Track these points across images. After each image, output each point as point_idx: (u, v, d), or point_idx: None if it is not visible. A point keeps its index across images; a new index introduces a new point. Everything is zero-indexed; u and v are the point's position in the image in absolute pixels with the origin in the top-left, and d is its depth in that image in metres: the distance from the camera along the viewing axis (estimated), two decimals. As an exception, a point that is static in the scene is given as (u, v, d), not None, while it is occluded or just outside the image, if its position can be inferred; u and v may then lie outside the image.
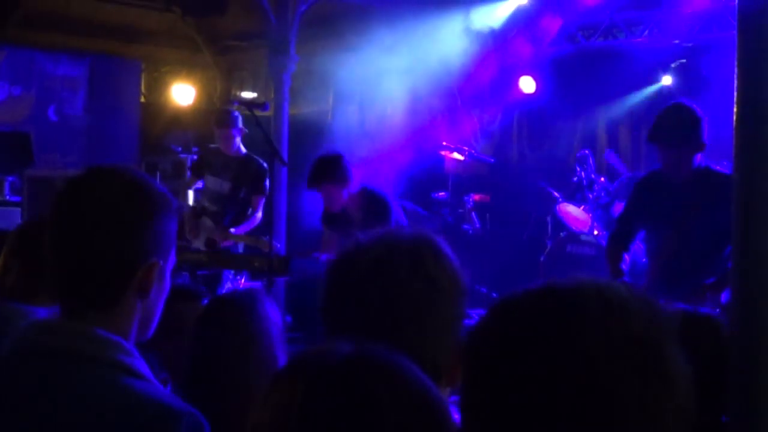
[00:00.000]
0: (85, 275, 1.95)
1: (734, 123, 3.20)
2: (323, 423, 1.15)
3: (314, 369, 1.20)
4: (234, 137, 7.99)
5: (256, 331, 2.91)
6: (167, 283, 2.05)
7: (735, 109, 3.20)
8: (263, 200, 8.02)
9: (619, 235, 5.48)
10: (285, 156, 9.36)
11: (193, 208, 8.31)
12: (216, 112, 8.93)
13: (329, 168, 6.76)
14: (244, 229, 7.93)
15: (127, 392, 1.87)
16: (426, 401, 1.21)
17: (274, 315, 3.00)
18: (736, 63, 3.20)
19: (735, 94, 3.20)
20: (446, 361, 1.81)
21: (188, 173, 8.58)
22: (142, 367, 1.95)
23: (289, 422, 1.16)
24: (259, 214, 8.04)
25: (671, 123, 5.06)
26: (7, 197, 9.36)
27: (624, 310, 1.17)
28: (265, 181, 7.97)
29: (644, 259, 5.61)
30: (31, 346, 1.94)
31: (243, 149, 8.08)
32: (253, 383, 2.84)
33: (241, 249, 8.14)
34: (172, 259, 2.05)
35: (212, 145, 8.26)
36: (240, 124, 8.04)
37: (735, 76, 3.22)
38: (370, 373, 1.19)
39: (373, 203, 6.83)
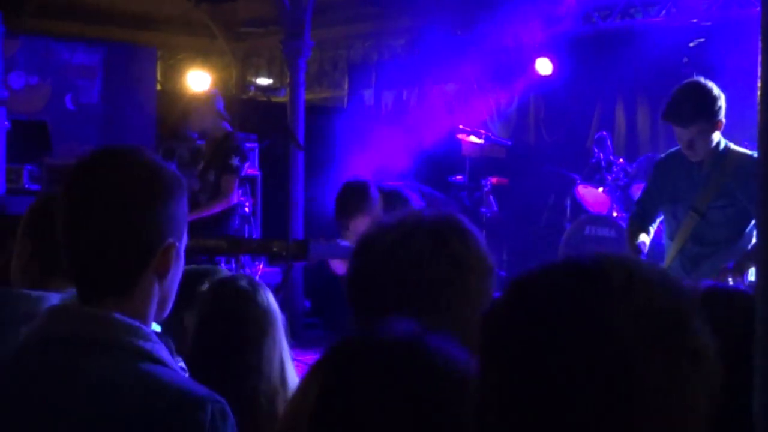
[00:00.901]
0: (102, 259, 1.92)
1: (759, 100, 3.15)
2: (374, 414, 1.13)
3: (357, 355, 1.20)
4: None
5: (257, 319, 2.91)
6: (182, 262, 2.03)
7: (759, 85, 3.15)
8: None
9: (638, 216, 5.44)
10: (301, 141, 9.35)
11: None
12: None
13: (349, 199, 6.39)
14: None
15: (148, 379, 1.84)
16: (464, 381, 1.19)
17: (273, 305, 3.01)
18: (760, 39, 3.15)
19: (759, 70, 3.15)
20: (471, 340, 1.79)
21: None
22: (163, 352, 1.93)
23: (331, 418, 1.14)
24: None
25: (684, 100, 4.98)
26: (26, 186, 9.38)
27: (647, 282, 1.13)
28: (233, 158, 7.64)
29: (662, 241, 5.55)
30: (48, 333, 1.92)
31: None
32: (256, 372, 2.84)
33: (258, 234, 8.12)
34: (185, 239, 2.03)
35: None
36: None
37: (759, 52, 3.16)
38: (419, 357, 1.18)
39: (389, 200, 6.79)
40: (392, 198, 6.76)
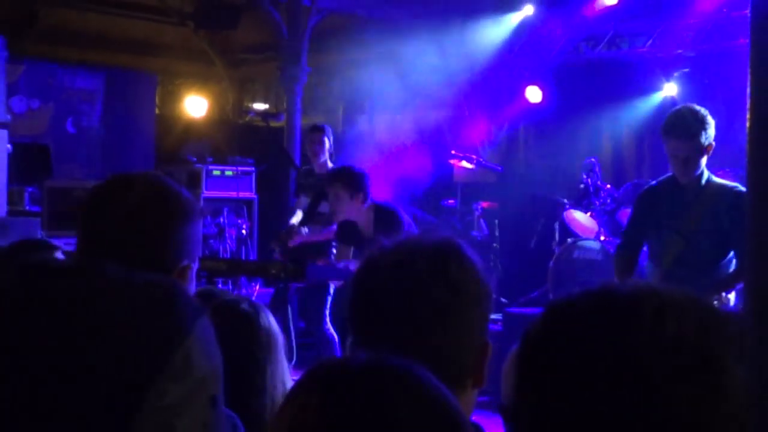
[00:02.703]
0: None
1: (748, 128, 3.19)
2: (341, 427, 1.13)
3: (333, 377, 1.19)
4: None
5: (259, 342, 2.91)
6: (194, 283, 2.04)
7: (748, 115, 3.19)
8: None
9: (625, 248, 5.50)
10: (298, 163, 9.36)
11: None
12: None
13: (344, 174, 6.83)
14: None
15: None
16: (443, 409, 1.19)
17: (274, 326, 3.01)
18: (749, 68, 3.19)
19: (748, 100, 3.18)
20: (472, 361, 1.80)
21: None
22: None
23: (307, 427, 1.15)
24: None
25: (687, 116, 5.07)
26: (27, 207, 9.36)
27: (679, 313, 1.13)
28: None
29: (645, 263, 5.59)
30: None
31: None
32: (262, 392, 2.84)
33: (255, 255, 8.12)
34: (197, 261, 2.04)
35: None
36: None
37: (748, 82, 3.20)
38: (386, 380, 1.18)
39: (383, 218, 6.86)
40: (385, 215, 6.85)
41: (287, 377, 3.01)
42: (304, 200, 8.05)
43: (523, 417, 1.16)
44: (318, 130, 8.16)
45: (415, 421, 1.15)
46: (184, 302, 1.85)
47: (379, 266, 1.82)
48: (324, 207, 7.75)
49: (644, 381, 1.09)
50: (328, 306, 7.54)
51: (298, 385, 1.23)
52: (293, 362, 7.49)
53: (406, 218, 7.02)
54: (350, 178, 6.77)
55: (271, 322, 3.03)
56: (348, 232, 7.06)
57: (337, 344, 7.55)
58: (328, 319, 7.56)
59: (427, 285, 1.77)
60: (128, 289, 1.83)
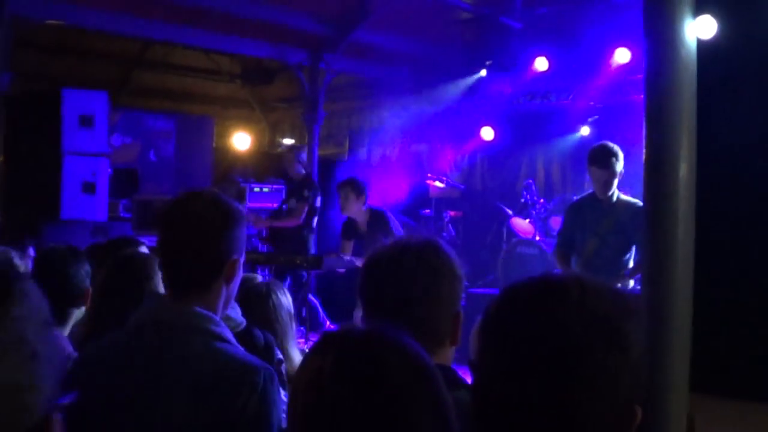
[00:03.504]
0: (188, 269, 1.93)
1: (645, 160, 3.18)
2: (349, 381, 1.13)
3: (341, 341, 1.19)
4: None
5: (271, 316, 2.84)
6: (241, 272, 2.03)
7: (645, 151, 3.18)
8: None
9: (561, 246, 5.52)
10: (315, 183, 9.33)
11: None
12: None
13: (353, 181, 7.00)
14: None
15: (219, 354, 1.85)
16: (422, 364, 1.19)
17: (286, 302, 2.93)
18: (645, 116, 3.18)
19: (644, 139, 3.18)
20: (449, 327, 1.81)
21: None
22: (228, 334, 1.93)
23: (322, 382, 1.14)
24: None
25: (605, 151, 5.12)
26: (121, 215, 9.35)
27: (595, 293, 1.15)
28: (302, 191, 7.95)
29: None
30: (148, 319, 1.92)
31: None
32: (287, 356, 2.76)
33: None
34: (243, 255, 2.02)
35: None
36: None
37: (644, 125, 3.20)
38: (379, 345, 1.18)
39: (376, 219, 6.90)
40: (377, 217, 6.92)
41: (293, 341, 2.93)
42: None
43: (483, 369, 1.16)
44: (294, 149, 8.51)
45: (402, 371, 1.15)
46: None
47: (381, 260, 1.82)
48: (292, 203, 7.91)
49: (571, 343, 1.11)
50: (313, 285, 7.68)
51: (315, 347, 1.21)
52: (324, 327, 7.54)
53: (393, 219, 7.06)
54: (357, 185, 6.90)
55: (281, 299, 2.94)
56: (349, 228, 7.10)
57: (319, 306, 7.67)
58: (311, 292, 7.66)
59: (416, 272, 1.77)
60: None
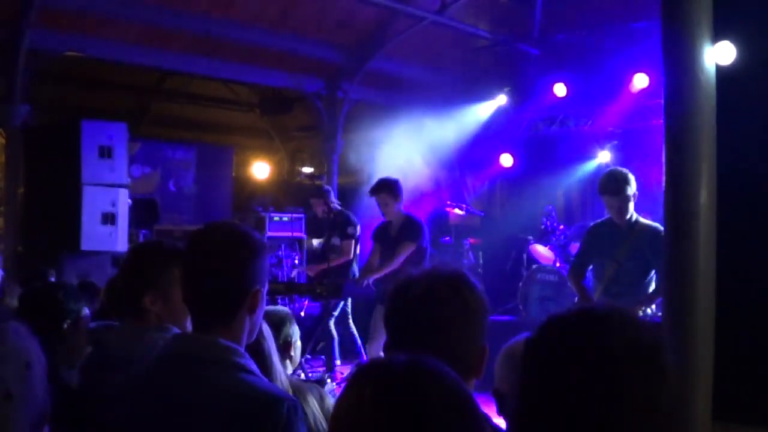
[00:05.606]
0: (211, 300, 1.93)
1: (665, 184, 3.18)
2: (389, 412, 1.12)
3: (380, 373, 1.18)
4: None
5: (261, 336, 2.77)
6: (265, 303, 2.03)
7: (665, 176, 3.19)
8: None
9: (576, 268, 5.48)
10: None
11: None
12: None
13: (388, 183, 6.85)
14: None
15: (243, 385, 1.85)
16: (461, 395, 1.19)
17: (268, 333, 2.82)
18: (664, 141, 3.19)
19: (664, 164, 3.18)
20: (475, 361, 1.80)
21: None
22: (252, 366, 1.93)
23: (362, 415, 1.13)
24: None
25: (615, 178, 5.11)
26: (141, 245, 9.40)
27: (636, 324, 1.21)
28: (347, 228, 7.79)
29: (590, 284, 5.57)
30: (173, 351, 1.93)
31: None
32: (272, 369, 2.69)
33: (304, 279, 8.10)
34: (266, 286, 2.03)
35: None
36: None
37: (664, 150, 3.20)
38: (421, 375, 1.18)
39: (409, 223, 6.82)
40: (411, 222, 6.90)
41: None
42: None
43: (528, 394, 1.19)
44: (322, 194, 8.10)
45: (444, 405, 1.15)
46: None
47: (410, 290, 1.80)
48: (336, 241, 7.75)
49: (615, 368, 1.15)
50: (338, 312, 7.52)
51: (351, 380, 1.21)
52: (360, 358, 7.37)
53: (426, 231, 6.93)
54: (392, 187, 6.83)
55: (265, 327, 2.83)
56: (383, 233, 7.01)
57: (335, 340, 7.53)
58: (332, 321, 7.54)
59: (446, 303, 1.77)
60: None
